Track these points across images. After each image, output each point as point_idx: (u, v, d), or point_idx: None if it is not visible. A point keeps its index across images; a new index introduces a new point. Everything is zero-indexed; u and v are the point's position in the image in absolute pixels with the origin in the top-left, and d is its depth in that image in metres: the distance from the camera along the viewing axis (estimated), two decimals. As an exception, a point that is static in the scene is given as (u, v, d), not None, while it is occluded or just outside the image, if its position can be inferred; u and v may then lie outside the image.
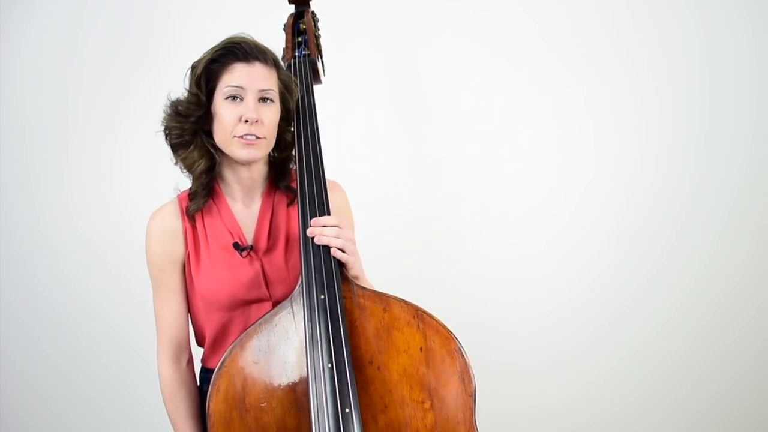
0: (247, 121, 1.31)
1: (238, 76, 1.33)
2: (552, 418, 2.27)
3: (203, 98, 1.34)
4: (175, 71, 1.43)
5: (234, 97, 1.33)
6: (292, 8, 1.60)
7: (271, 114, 1.35)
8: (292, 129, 1.44)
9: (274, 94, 1.36)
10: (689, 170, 2.23)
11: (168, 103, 1.38)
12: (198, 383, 1.48)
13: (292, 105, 1.41)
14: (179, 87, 1.43)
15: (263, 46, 1.38)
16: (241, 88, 1.32)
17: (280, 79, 1.39)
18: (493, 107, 2.24)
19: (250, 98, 1.32)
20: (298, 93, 1.43)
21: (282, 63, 1.44)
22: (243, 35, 1.38)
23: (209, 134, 1.38)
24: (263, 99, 1.34)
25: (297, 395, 1.22)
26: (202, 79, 1.34)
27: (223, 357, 1.24)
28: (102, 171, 2.25)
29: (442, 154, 2.27)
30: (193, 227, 1.40)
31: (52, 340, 2.27)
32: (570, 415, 2.27)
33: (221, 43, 1.37)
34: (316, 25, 1.57)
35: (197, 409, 1.43)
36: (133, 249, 1.64)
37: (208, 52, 1.36)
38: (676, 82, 2.22)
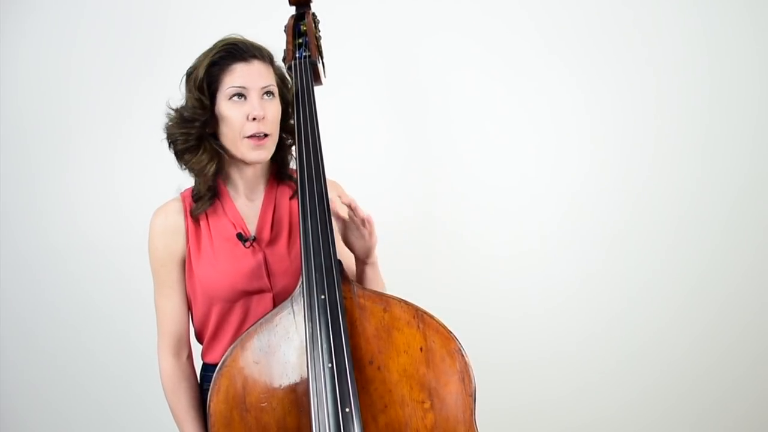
0: (254, 118, 1.34)
1: (239, 75, 1.35)
2: (552, 413, 2.27)
3: (207, 101, 1.36)
4: (177, 71, 1.44)
5: (238, 96, 1.35)
6: (292, 10, 1.60)
7: (274, 108, 1.38)
8: (291, 122, 1.46)
9: (275, 89, 1.40)
10: (690, 168, 2.23)
11: (169, 112, 1.40)
12: (198, 379, 1.49)
13: (290, 98, 1.45)
14: (180, 89, 1.44)
15: (257, 43, 1.41)
16: (244, 87, 1.35)
17: (276, 74, 1.42)
18: (492, 105, 2.25)
19: (254, 96, 1.35)
20: (292, 86, 1.46)
21: (276, 59, 1.47)
22: (235, 35, 1.40)
23: (214, 137, 1.39)
24: (266, 94, 1.37)
25: (297, 395, 1.22)
26: (204, 83, 1.35)
27: (224, 357, 1.25)
28: (104, 170, 2.26)
29: (441, 153, 2.27)
30: (196, 225, 1.42)
31: (55, 339, 2.27)
32: (570, 410, 2.27)
33: (217, 44, 1.38)
34: (316, 27, 1.57)
35: (198, 400, 1.44)
36: (136, 248, 1.64)
37: (204, 56, 1.38)
38: (676, 80, 2.22)
